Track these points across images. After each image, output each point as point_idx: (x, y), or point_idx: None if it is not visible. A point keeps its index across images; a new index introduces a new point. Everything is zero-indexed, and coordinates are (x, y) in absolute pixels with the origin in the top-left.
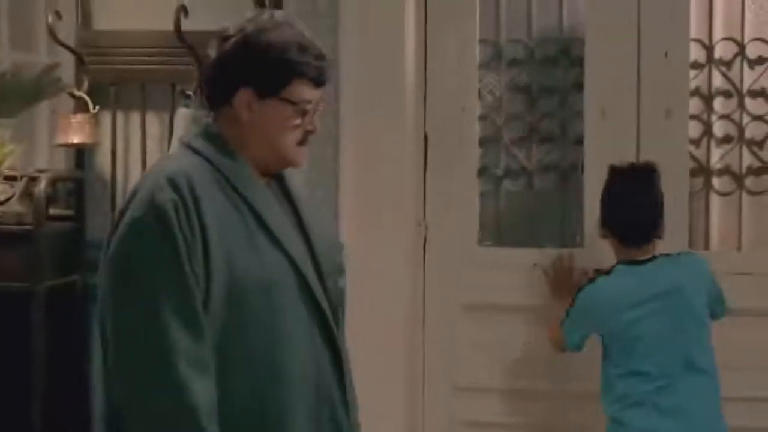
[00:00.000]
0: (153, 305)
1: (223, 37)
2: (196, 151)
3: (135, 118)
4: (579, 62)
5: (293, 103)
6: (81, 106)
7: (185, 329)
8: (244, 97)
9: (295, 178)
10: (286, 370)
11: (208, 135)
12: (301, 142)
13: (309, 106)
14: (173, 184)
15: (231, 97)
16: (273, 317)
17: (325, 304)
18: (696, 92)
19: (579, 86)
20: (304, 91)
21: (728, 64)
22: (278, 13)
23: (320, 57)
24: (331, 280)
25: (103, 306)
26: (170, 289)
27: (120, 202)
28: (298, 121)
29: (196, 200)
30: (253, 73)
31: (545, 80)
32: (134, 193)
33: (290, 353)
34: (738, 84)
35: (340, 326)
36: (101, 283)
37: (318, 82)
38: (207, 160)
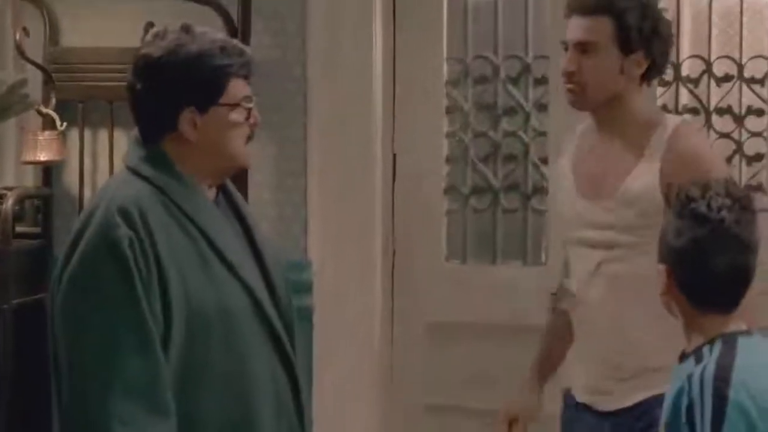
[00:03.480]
0: (108, 346)
1: (146, 66)
2: (143, 177)
3: (103, 135)
4: (545, 80)
5: (235, 105)
6: (48, 123)
7: (143, 371)
8: (187, 117)
9: (263, 195)
10: (250, 393)
11: (154, 158)
12: (249, 139)
13: (249, 103)
14: (126, 216)
15: (175, 122)
16: (233, 343)
17: (279, 326)
18: (664, 109)
19: (544, 106)
20: (239, 90)
21: (695, 81)
22: (179, 26)
23: (241, 52)
24: (284, 295)
25: (57, 340)
26: (127, 329)
27: None
28: (243, 120)
29: (149, 233)
30: (190, 90)
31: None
32: (86, 222)
33: (253, 377)
34: (705, 101)
35: (295, 342)
36: (55, 315)
37: (247, 76)
38: (155, 186)
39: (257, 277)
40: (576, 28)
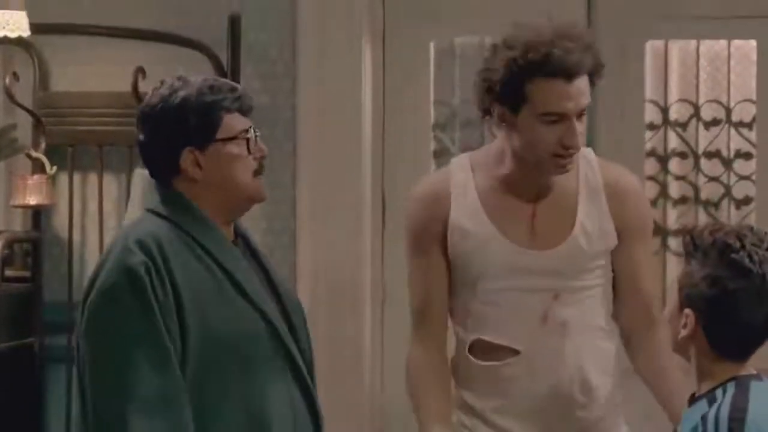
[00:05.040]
0: (130, 372)
1: (143, 115)
2: (162, 216)
3: (92, 179)
4: None
5: (233, 138)
6: (38, 167)
7: (162, 394)
8: (188, 157)
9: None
10: (268, 419)
11: (172, 200)
12: (257, 172)
13: (248, 135)
14: (142, 246)
15: (177, 164)
16: (250, 369)
17: (297, 355)
18: (652, 153)
19: None
20: (236, 123)
21: (684, 125)
22: (183, 76)
23: (233, 88)
24: (304, 334)
25: (82, 374)
26: (148, 354)
27: (77, 263)
28: (245, 152)
29: (166, 261)
30: (184, 132)
31: None
32: (104, 259)
33: (271, 404)
34: (693, 145)
35: (314, 378)
36: (79, 343)
37: (243, 110)
38: (174, 224)
39: (276, 312)
40: (575, 93)
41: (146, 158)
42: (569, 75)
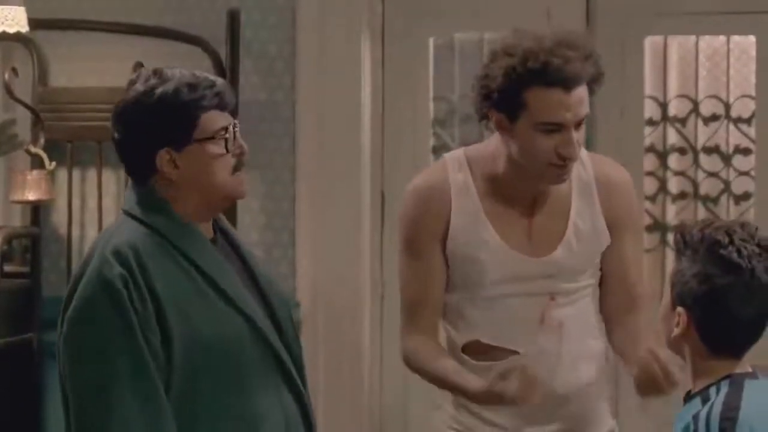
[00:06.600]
0: (109, 386)
1: (118, 114)
2: (138, 220)
3: (91, 175)
4: None
5: (210, 138)
6: (37, 163)
7: (142, 407)
8: (164, 158)
9: (251, 236)
10: (259, 425)
11: (148, 201)
12: (236, 168)
13: (227, 133)
14: (119, 257)
15: (153, 164)
16: (237, 374)
17: (286, 357)
18: (651, 149)
19: None
20: (214, 122)
21: (683, 121)
22: (160, 70)
23: (212, 85)
24: (291, 332)
25: (64, 387)
26: (127, 367)
27: (76, 259)
28: (223, 151)
29: (144, 270)
30: (159, 133)
31: None
32: (82, 268)
33: (261, 408)
34: (692, 141)
35: (305, 378)
36: (60, 356)
37: (222, 106)
38: (152, 228)
39: (260, 312)
40: (574, 103)
41: (123, 156)
42: (568, 85)
